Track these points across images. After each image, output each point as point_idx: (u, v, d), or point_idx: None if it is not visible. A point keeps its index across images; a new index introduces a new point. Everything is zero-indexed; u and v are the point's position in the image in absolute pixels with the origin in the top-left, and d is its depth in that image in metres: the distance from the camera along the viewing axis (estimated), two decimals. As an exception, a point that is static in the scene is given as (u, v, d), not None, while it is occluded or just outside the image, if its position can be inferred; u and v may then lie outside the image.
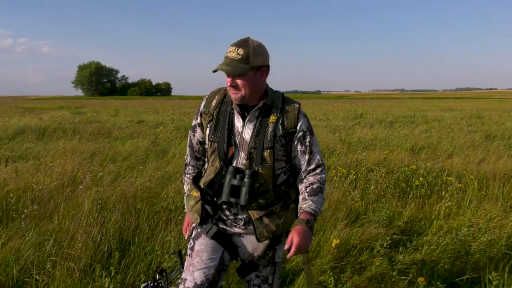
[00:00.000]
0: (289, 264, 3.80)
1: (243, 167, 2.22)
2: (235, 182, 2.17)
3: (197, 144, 2.46)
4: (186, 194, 2.52)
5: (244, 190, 2.17)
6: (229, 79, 2.16)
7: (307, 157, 2.28)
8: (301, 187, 2.31)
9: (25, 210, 4.48)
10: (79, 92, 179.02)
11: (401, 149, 10.03)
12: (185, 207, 2.50)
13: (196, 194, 2.35)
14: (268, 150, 2.19)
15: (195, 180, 2.46)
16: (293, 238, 2.09)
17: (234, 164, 2.24)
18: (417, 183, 6.18)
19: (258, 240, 2.28)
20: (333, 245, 3.97)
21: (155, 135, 11.47)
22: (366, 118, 21.27)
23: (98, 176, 6.30)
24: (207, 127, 2.32)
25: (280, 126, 2.23)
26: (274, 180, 2.26)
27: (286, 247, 2.12)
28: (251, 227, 2.28)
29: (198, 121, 2.39)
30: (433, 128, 15.21)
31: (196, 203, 2.34)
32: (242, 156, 2.23)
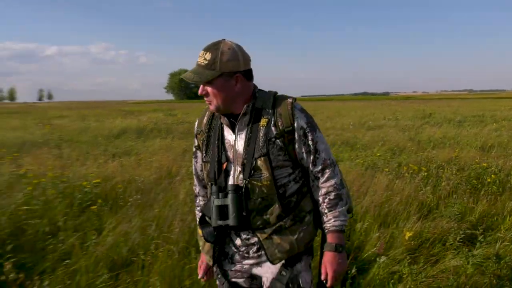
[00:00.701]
0: (365, 253, 3.73)
1: (237, 182, 1.82)
2: (219, 202, 1.77)
3: (201, 170, 2.02)
4: (198, 234, 2.06)
5: (230, 208, 1.76)
6: (200, 88, 1.80)
7: (312, 157, 1.83)
8: (318, 198, 1.87)
9: (130, 199, 4.74)
10: (170, 96, 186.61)
11: (470, 148, 9.49)
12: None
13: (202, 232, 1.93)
14: (262, 158, 1.76)
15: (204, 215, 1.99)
16: (327, 268, 1.81)
17: (231, 182, 1.83)
18: (489, 180, 5.82)
19: (272, 262, 1.83)
20: (406, 237, 3.84)
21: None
22: (435, 117, 20.32)
23: (190, 170, 6.52)
24: (202, 147, 1.95)
25: (273, 128, 1.79)
26: (280, 191, 1.80)
27: (322, 277, 1.83)
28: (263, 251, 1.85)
29: (196, 143, 2.02)
30: (503, 127, 14.22)
31: (205, 242, 1.95)
32: (237, 170, 1.83)
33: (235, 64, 1.76)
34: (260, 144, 1.77)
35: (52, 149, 8.47)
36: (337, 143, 10.29)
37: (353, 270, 3.21)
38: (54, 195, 4.68)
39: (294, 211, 1.83)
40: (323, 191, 1.84)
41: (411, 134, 12.41)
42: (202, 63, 1.74)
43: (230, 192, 1.76)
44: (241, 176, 1.80)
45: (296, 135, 1.80)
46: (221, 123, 1.89)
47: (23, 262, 3.34)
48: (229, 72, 1.75)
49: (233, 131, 1.85)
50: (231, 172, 1.84)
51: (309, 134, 1.82)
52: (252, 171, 1.77)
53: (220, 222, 1.79)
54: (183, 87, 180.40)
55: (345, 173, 6.20)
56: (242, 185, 1.78)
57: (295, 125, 1.79)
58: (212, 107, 1.83)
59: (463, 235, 3.96)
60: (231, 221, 1.76)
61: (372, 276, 3.34)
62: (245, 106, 1.81)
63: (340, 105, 43.89)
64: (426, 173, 6.22)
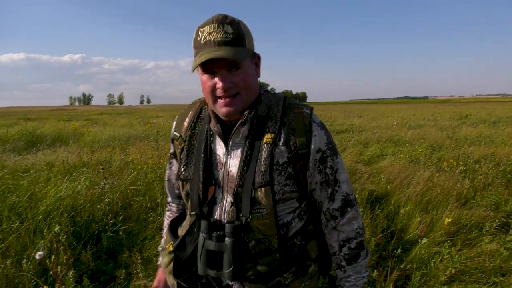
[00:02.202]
0: (408, 235, 3.58)
1: (228, 218, 1.12)
2: (211, 245, 1.10)
3: (176, 180, 1.31)
4: (161, 245, 1.42)
5: (226, 258, 1.09)
6: (220, 81, 1.06)
7: (329, 190, 1.15)
8: (332, 244, 1.21)
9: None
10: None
11: (505, 146, 8.77)
12: (159, 259, 1.39)
13: (171, 248, 1.23)
14: (263, 189, 1.08)
15: (174, 225, 1.33)
16: None
17: (216, 215, 1.13)
18: (523, 174, 5.37)
19: None
20: (445, 222, 3.64)
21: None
22: (471, 118, 18.96)
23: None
24: (180, 158, 1.22)
25: (283, 148, 1.10)
26: (281, 231, 1.13)
27: None
28: None
29: (172, 150, 1.31)
30: (538, 127, 13.02)
31: (171, 261, 1.22)
32: (227, 200, 1.12)
33: (253, 42, 1.13)
34: (262, 169, 1.08)
35: (151, 142, 8.86)
36: (382, 139, 9.92)
37: (399, 250, 3.10)
38: (153, 178, 4.88)
39: (298, 261, 1.16)
40: (342, 236, 1.18)
41: (449, 132, 11.68)
42: (226, 39, 1.03)
43: (228, 234, 1.09)
44: (232, 209, 1.11)
45: (310, 159, 1.12)
46: (210, 130, 1.18)
47: (130, 230, 3.53)
48: (253, 52, 1.12)
49: (225, 144, 1.15)
50: (219, 201, 1.14)
51: (328, 160, 1.14)
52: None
53: (210, 272, 1.12)
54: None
55: (390, 166, 6.04)
56: (237, 223, 1.10)
57: (312, 146, 1.11)
58: (236, 107, 1.09)
59: (498, 223, 3.69)
60: (226, 276, 1.09)
61: (414, 255, 3.20)
62: (246, 111, 1.11)
63: (384, 108, 42.21)
64: (464, 168, 5.85)
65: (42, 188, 4.12)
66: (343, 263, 1.20)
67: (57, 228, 3.03)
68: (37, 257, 2.10)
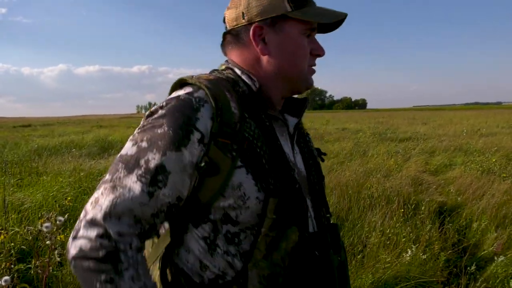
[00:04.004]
0: (482, 252, 3.31)
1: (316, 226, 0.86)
2: (338, 258, 0.87)
3: (167, 207, 0.71)
4: None
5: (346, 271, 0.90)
6: (320, 44, 0.89)
7: None
8: None
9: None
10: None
11: None
12: None
13: None
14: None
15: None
16: None
17: (312, 227, 0.84)
18: None
19: None
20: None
21: (357, 139, 11.31)
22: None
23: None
24: (233, 168, 0.72)
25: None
26: None
27: None
28: None
29: (195, 156, 0.71)
30: None
31: None
32: (310, 205, 0.85)
33: None
34: (318, 163, 0.95)
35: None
36: (450, 148, 9.33)
37: (473, 267, 2.88)
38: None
39: None
40: None
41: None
42: None
43: (342, 244, 0.91)
44: (314, 215, 0.86)
45: None
46: (269, 118, 0.82)
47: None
48: None
49: (290, 137, 0.88)
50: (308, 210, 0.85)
51: None
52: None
53: None
54: (309, 100, 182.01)
55: (460, 177, 5.65)
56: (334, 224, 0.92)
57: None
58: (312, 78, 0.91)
59: None
60: None
61: (489, 274, 2.95)
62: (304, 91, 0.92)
63: (452, 114, 39.71)
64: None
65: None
66: None
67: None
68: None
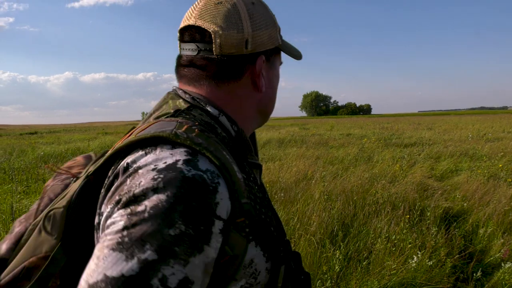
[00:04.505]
0: (489, 258, 3.28)
1: None
2: None
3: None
4: None
5: None
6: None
7: None
8: None
9: (276, 196, 4.88)
10: (303, 113, 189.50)
11: None
12: None
13: None
14: None
15: None
16: None
17: None
18: None
19: None
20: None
21: (362, 145, 11.27)
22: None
23: (323, 174, 6.48)
24: (246, 247, 0.56)
25: None
26: None
27: None
28: None
29: (217, 250, 0.51)
30: None
31: None
32: None
33: None
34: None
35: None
36: (456, 154, 9.27)
37: (479, 273, 2.85)
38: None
39: None
40: None
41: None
42: None
43: None
44: None
45: None
46: (253, 172, 0.70)
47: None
48: None
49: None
50: None
51: None
52: None
53: None
54: (314, 106, 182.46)
55: (466, 182, 5.62)
56: None
57: None
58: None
59: None
60: None
61: (496, 280, 2.93)
62: None
63: (457, 119, 39.49)
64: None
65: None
66: None
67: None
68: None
